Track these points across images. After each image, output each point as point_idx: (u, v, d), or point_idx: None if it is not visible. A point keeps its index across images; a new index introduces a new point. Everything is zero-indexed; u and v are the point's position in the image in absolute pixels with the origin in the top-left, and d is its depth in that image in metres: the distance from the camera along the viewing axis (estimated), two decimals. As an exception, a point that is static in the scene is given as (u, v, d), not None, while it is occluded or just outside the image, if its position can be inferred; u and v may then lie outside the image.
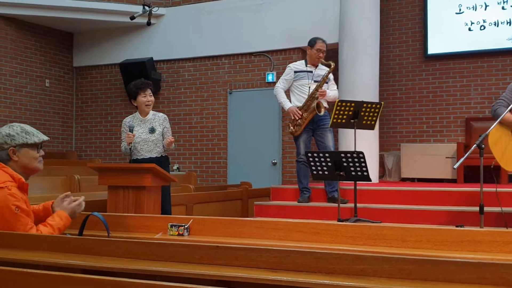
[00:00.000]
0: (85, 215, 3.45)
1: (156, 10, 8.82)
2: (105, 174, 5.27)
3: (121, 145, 5.86)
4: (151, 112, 5.83)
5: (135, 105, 5.82)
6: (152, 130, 5.69)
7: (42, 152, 3.46)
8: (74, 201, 3.49)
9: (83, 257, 2.66)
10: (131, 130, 5.64)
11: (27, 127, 3.42)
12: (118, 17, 10.39)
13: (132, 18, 8.36)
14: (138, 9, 8.61)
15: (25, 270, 2.42)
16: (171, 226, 3.53)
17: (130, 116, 5.91)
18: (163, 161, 5.66)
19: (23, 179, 3.30)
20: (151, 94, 5.79)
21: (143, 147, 5.68)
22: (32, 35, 10.65)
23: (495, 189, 5.12)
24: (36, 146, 3.40)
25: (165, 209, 5.50)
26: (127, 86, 5.90)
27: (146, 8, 8.30)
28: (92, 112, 11.49)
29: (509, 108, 4.89)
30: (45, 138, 3.47)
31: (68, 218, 3.40)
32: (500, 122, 4.92)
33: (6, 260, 2.69)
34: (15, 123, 3.45)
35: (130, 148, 5.66)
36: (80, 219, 3.45)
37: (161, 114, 5.88)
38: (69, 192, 3.60)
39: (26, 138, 3.34)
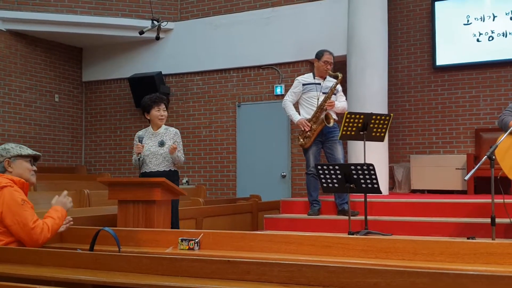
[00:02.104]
0: (96, 230, 3.46)
1: (165, 25, 8.85)
2: (115, 188, 5.26)
3: (132, 157, 5.89)
4: (163, 126, 5.85)
5: (148, 118, 5.85)
6: (161, 144, 5.70)
7: (34, 167, 3.77)
8: None
9: (94, 272, 2.66)
10: (140, 141, 5.68)
11: (21, 144, 3.79)
12: (127, 32, 10.45)
13: (141, 33, 8.38)
14: (147, 23, 8.63)
15: (36, 286, 2.41)
16: (182, 240, 3.53)
17: (143, 130, 5.95)
18: (172, 175, 5.65)
19: (23, 180, 3.55)
20: (165, 109, 5.82)
21: (152, 160, 5.69)
22: (41, 50, 10.73)
23: (502, 200, 5.08)
24: (29, 158, 3.70)
25: (173, 223, 5.49)
26: (142, 99, 5.94)
27: (155, 22, 8.31)
28: (101, 126, 11.53)
29: None
30: (38, 153, 3.81)
31: (62, 208, 3.72)
32: (511, 133, 4.90)
33: (17, 276, 2.69)
34: (10, 142, 3.89)
35: (140, 159, 5.67)
36: (91, 234, 3.46)
37: (172, 128, 5.89)
38: (66, 192, 3.93)
39: (20, 150, 3.67)
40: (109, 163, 11.37)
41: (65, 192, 3.81)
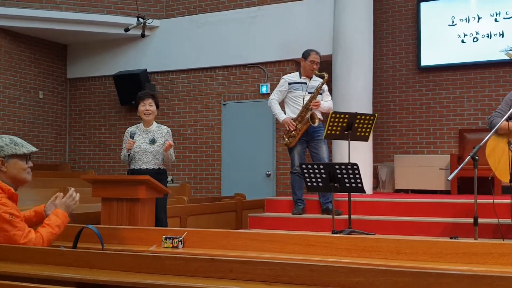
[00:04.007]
0: (79, 227, 3.44)
1: (150, 22, 8.82)
2: (99, 186, 5.25)
3: (121, 153, 5.86)
4: (155, 124, 5.84)
5: (138, 115, 5.85)
6: (152, 141, 5.68)
7: (30, 164, 3.45)
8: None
9: (77, 270, 2.65)
10: (131, 137, 5.66)
11: (16, 139, 3.42)
12: (112, 29, 10.40)
13: (127, 30, 8.35)
14: (132, 21, 8.60)
15: (18, 283, 2.40)
16: (166, 238, 3.51)
17: (135, 126, 5.92)
18: (160, 173, 5.64)
19: (12, 190, 3.29)
20: (152, 104, 5.80)
21: (142, 157, 5.67)
22: (26, 46, 10.64)
23: (490, 200, 5.12)
24: (25, 157, 3.40)
25: (162, 222, 5.47)
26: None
27: (140, 20, 8.29)
28: (85, 123, 11.46)
29: (506, 116, 4.90)
30: (34, 149, 3.48)
31: (64, 214, 3.42)
32: (496, 132, 4.95)
33: (-1, 274, 2.67)
34: (4, 135, 3.46)
35: (129, 155, 5.65)
36: (74, 231, 3.44)
37: (165, 127, 5.88)
38: (59, 193, 3.59)
39: (15, 149, 3.34)
40: (93, 161, 11.31)
41: (72, 190, 3.53)
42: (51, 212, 3.44)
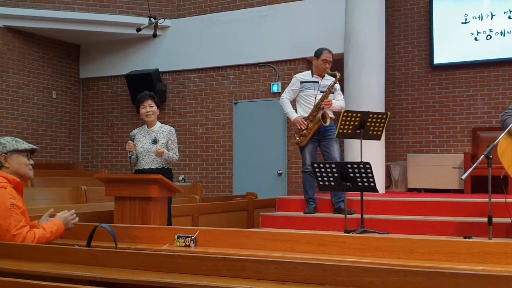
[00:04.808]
0: (93, 226, 3.46)
1: (162, 22, 8.83)
2: (112, 185, 5.27)
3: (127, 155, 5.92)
4: (158, 124, 5.88)
5: (141, 117, 5.92)
6: (154, 141, 5.72)
7: (31, 161, 3.63)
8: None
9: (91, 268, 2.66)
10: (132, 140, 5.73)
11: (17, 138, 3.64)
12: (124, 29, 10.43)
13: (138, 30, 8.36)
14: (144, 21, 8.61)
15: (33, 282, 2.41)
16: (178, 237, 3.53)
17: (139, 127, 5.98)
18: (164, 172, 5.64)
19: (18, 180, 3.45)
20: (152, 104, 5.83)
21: (145, 157, 5.72)
22: (39, 47, 10.71)
23: (503, 199, 5.08)
24: (26, 153, 3.58)
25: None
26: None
27: (152, 20, 8.30)
28: (98, 123, 11.51)
29: None
30: (34, 147, 3.67)
31: (61, 224, 3.54)
32: (509, 132, 4.91)
33: (14, 271, 2.69)
34: (5, 136, 3.67)
35: (130, 157, 5.74)
36: (88, 230, 3.46)
37: (167, 126, 5.91)
38: (52, 209, 3.76)
39: (16, 145, 3.55)
40: (106, 160, 11.36)
41: (73, 211, 3.68)
42: (51, 220, 3.58)
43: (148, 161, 5.72)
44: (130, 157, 5.75)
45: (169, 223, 5.59)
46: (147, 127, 5.87)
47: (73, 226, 3.64)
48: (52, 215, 3.67)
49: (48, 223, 3.53)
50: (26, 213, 3.45)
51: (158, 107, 5.91)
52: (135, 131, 5.93)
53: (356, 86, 7.89)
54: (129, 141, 5.74)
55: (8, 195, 3.33)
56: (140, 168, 5.73)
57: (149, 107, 5.80)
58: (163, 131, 5.81)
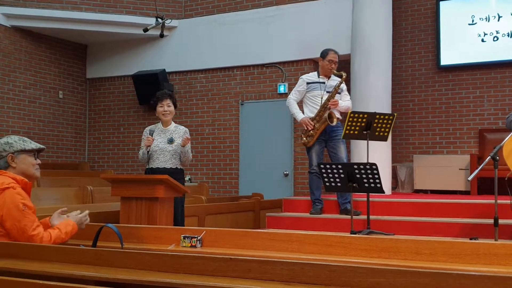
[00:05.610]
0: (99, 226, 3.47)
1: (169, 22, 8.85)
2: (118, 185, 5.28)
3: (139, 152, 5.89)
4: (173, 124, 5.88)
5: (157, 115, 5.90)
6: (170, 141, 5.71)
7: (38, 161, 3.60)
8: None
9: (97, 268, 2.67)
10: (151, 135, 5.72)
11: (24, 138, 3.60)
12: (131, 29, 10.46)
13: (146, 30, 8.39)
14: (151, 21, 8.64)
15: (39, 281, 2.42)
16: (184, 237, 3.53)
17: (153, 125, 5.97)
18: (177, 173, 5.67)
19: (26, 180, 3.43)
20: (170, 104, 5.83)
21: (159, 156, 5.70)
22: (46, 47, 10.74)
23: (510, 201, 5.06)
24: (33, 153, 3.55)
25: (178, 221, 5.50)
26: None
27: (159, 20, 8.32)
28: (105, 123, 11.54)
29: None
30: (42, 146, 3.64)
31: (75, 225, 3.53)
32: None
33: (21, 271, 2.70)
34: (12, 135, 3.62)
35: (148, 152, 5.68)
36: (94, 230, 3.46)
37: (182, 127, 5.91)
38: (66, 208, 3.74)
39: (24, 145, 3.51)
40: (112, 160, 11.39)
41: (87, 211, 3.67)
42: (64, 220, 3.56)
43: (163, 160, 5.70)
44: (148, 151, 5.68)
45: (182, 224, 5.59)
46: (162, 126, 5.86)
47: (84, 227, 3.63)
48: (64, 213, 3.64)
49: (63, 222, 3.50)
50: (35, 212, 3.43)
51: (175, 107, 5.92)
52: (151, 127, 5.91)
53: (363, 87, 7.88)
54: (148, 136, 5.73)
55: (18, 196, 3.32)
56: (154, 167, 5.69)
57: (167, 106, 5.81)
58: (178, 131, 5.81)
